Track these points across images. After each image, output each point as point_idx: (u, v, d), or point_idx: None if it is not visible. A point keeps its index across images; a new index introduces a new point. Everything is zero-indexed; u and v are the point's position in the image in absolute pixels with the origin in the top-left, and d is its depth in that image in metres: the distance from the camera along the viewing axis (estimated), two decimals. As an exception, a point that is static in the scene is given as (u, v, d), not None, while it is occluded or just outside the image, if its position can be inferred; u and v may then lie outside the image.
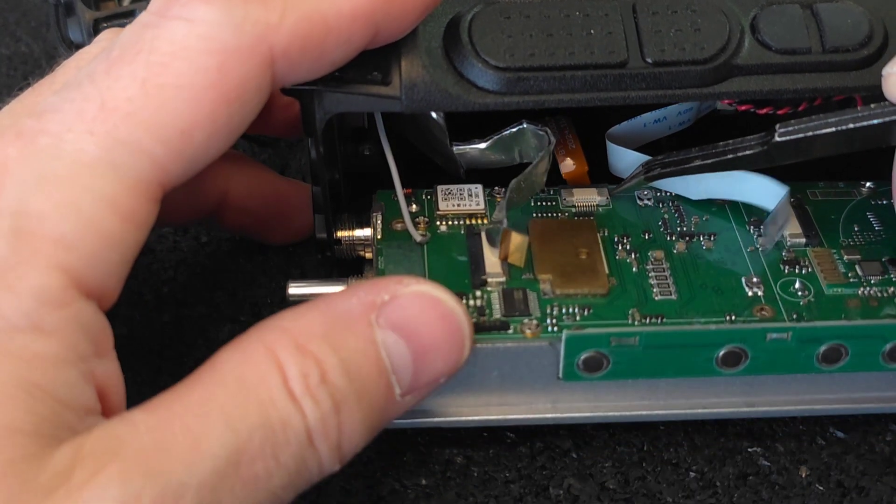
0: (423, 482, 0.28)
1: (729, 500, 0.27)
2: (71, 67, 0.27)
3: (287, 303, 0.31)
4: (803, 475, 0.28)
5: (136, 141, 0.22)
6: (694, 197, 0.31)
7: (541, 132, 0.30)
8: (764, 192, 0.30)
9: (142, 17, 0.23)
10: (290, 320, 0.24)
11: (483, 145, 0.30)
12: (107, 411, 0.22)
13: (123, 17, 0.33)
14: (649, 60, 0.27)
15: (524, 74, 0.26)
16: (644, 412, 0.27)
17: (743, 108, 0.29)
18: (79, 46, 0.33)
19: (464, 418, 0.27)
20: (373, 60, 0.26)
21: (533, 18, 0.27)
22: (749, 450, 0.29)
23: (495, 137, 0.30)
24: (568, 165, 0.31)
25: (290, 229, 0.33)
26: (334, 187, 0.30)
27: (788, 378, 0.27)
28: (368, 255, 0.30)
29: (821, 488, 0.28)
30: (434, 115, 0.29)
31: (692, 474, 0.28)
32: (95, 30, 0.33)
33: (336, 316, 0.24)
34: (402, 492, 0.28)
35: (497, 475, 0.28)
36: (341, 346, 0.23)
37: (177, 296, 0.33)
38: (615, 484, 0.28)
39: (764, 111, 0.29)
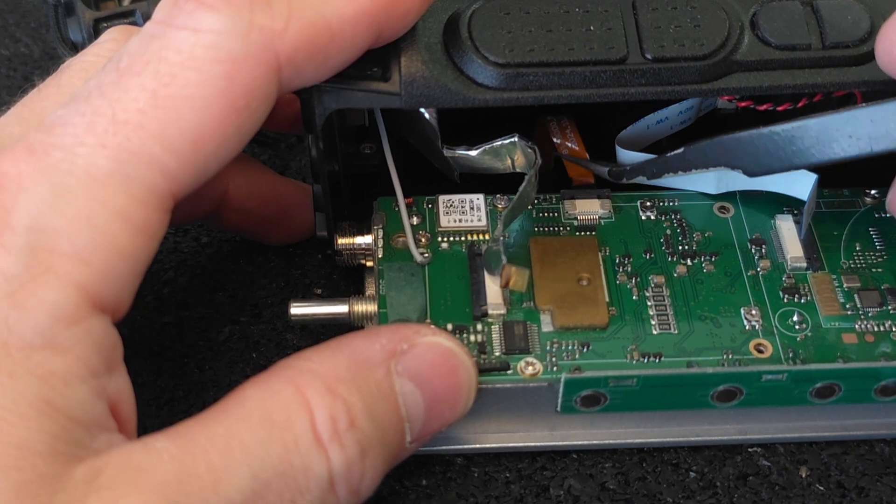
0: (424, 483, 0.29)
1: (729, 500, 0.28)
2: (76, 70, 0.27)
3: (287, 302, 0.31)
4: (803, 475, 0.28)
5: (149, 153, 0.22)
6: (714, 191, 0.31)
7: (529, 149, 0.29)
8: (789, 179, 0.30)
9: (148, 27, 0.23)
10: (317, 362, 0.24)
11: (473, 153, 0.30)
12: (118, 425, 0.23)
13: (123, 17, 0.32)
14: (649, 56, 0.26)
15: (523, 70, 0.26)
16: (639, 440, 0.28)
17: (743, 104, 0.29)
18: (78, 47, 0.32)
19: (462, 446, 0.28)
20: (372, 56, 0.26)
21: (532, 14, 0.27)
22: (749, 450, 0.29)
23: (486, 146, 0.30)
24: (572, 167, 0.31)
25: (290, 229, 0.33)
26: (335, 185, 0.30)
27: (781, 408, 0.28)
28: (369, 264, 0.30)
29: (821, 488, 0.28)
30: (427, 115, 0.29)
31: (692, 475, 0.29)
32: (95, 30, 0.32)
33: (360, 361, 0.24)
34: (402, 492, 0.28)
35: (497, 475, 0.29)
36: (367, 392, 0.24)
37: (177, 297, 0.33)
38: (615, 484, 0.28)
39: (764, 107, 0.29)
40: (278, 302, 0.33)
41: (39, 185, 0.21)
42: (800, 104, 0.29)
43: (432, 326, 0.27)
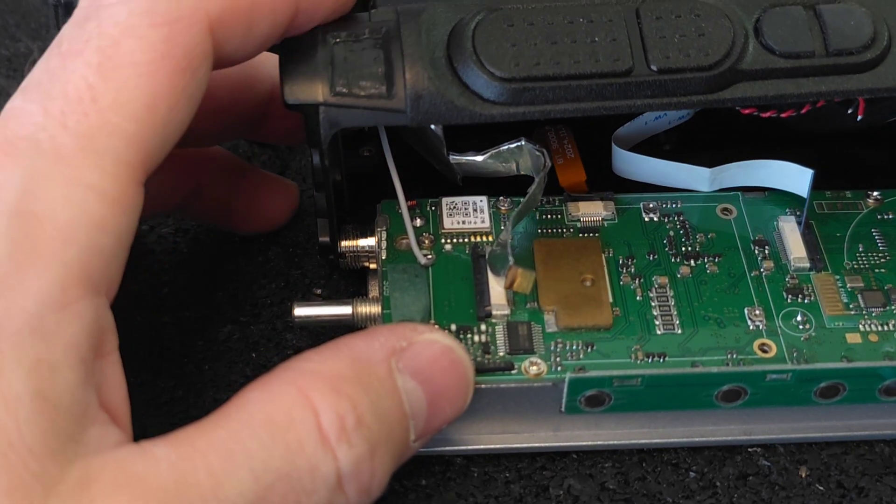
0: (423, 482, 0.29)
1: (729, 500, 0.28)
2: None
3: (287, 302, 0.32)
4: (803, 475, 0.28)
5: (108, 123, 0.22)
6: (707, 189, 0.31)
7: (538, 152, 0.29)
8: (785, 176, 0.30)
9: (78, 12, 0.24)
10: (318, 363, 0.24)
11: (480, 158, 0.30)
12: (111, 416, 0.22)
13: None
14: (654, 68, 0.26)
15: (529, 84, 0.26)
16: (644, 440, 0.28)
17: (746, 111, 0.29)
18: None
19: (466, 447, 0.28)
20: (377, 73, 0.25)
21: (537, 26, 0.26)
22: (749, 450, 0.29)
23: (493, 151, 0.30)
24: (566, 175, 0.31)
25: (261, 218, 0.34)
26: (338, 192, 0.30)
27: (784, 408, 0.28)
28: (373, 266, 0.30)
29: (821, 488, 0.28)
30: (432, 125, 0.29)
31: (692, 475, 0.29)
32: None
33: (362, 359, 0.24)
34: (402, 492, 0.28)
35: (497, 475, 0.29)
36: (371, 390, 0.24)
37: (177, 297, 0.33)
38: (615, 484, 0.28)
39: (768, 115, 0.29)
40: (278, 302, 0.33)
41: (11, 174, 0.21)
42: (803, 110, 0.28)
43: (429, 325, 0.27)
